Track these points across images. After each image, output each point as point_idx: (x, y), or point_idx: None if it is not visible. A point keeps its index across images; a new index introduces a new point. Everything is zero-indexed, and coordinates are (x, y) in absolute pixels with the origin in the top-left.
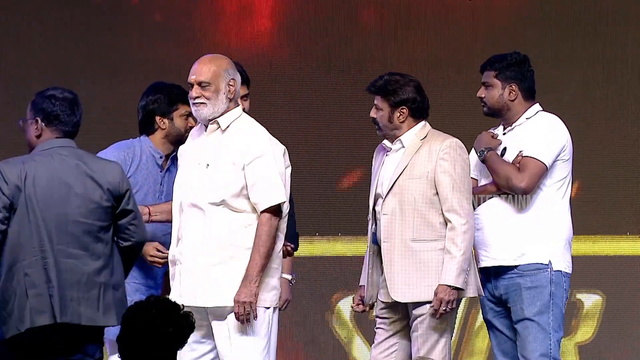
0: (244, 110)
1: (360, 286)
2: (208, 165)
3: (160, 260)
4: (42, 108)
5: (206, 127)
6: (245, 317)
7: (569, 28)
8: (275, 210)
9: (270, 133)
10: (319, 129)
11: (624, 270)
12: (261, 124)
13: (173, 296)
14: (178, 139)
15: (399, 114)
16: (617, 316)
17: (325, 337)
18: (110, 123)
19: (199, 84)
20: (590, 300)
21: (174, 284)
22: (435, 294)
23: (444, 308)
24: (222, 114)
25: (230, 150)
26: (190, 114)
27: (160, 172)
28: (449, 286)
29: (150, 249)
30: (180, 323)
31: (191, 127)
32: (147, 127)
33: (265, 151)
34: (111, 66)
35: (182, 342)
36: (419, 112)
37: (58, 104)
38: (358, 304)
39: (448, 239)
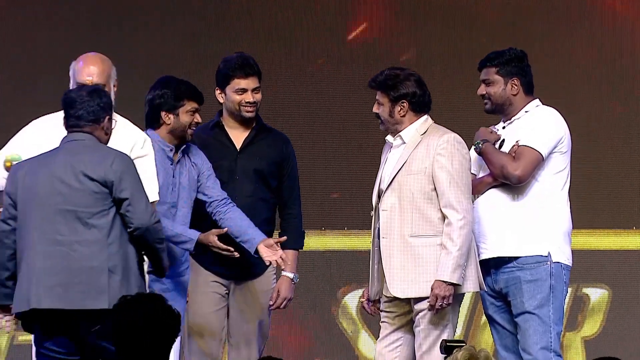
0: (256, 102)
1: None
2: None
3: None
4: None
5: None
6: None
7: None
8: None
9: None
10: (326, 125)
11: (630, 265)
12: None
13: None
14: (182, 134)
15: (399, 108)
16: (624, 310)
17: (332, 331)
18: None
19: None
20: (597, 295)
21: None
22: (432, 289)
23: (440, 304)
24: None
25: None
26: (196, 110)
27: (171, 165)
28: (445, 282)
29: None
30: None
31: (197, 123)
32: (152, 121)
33: (148, 151)
34: (117, 64)
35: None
36: (419, 106)
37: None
38: (368, 303)
39: (444, 235)
